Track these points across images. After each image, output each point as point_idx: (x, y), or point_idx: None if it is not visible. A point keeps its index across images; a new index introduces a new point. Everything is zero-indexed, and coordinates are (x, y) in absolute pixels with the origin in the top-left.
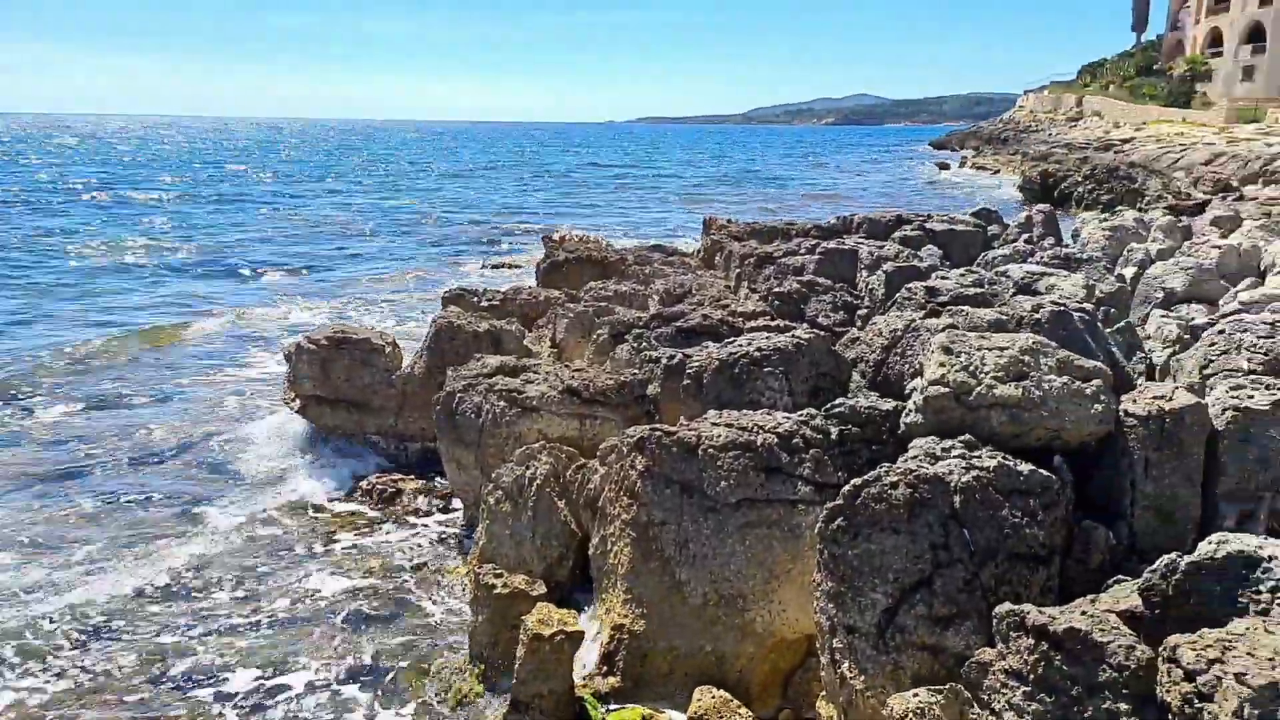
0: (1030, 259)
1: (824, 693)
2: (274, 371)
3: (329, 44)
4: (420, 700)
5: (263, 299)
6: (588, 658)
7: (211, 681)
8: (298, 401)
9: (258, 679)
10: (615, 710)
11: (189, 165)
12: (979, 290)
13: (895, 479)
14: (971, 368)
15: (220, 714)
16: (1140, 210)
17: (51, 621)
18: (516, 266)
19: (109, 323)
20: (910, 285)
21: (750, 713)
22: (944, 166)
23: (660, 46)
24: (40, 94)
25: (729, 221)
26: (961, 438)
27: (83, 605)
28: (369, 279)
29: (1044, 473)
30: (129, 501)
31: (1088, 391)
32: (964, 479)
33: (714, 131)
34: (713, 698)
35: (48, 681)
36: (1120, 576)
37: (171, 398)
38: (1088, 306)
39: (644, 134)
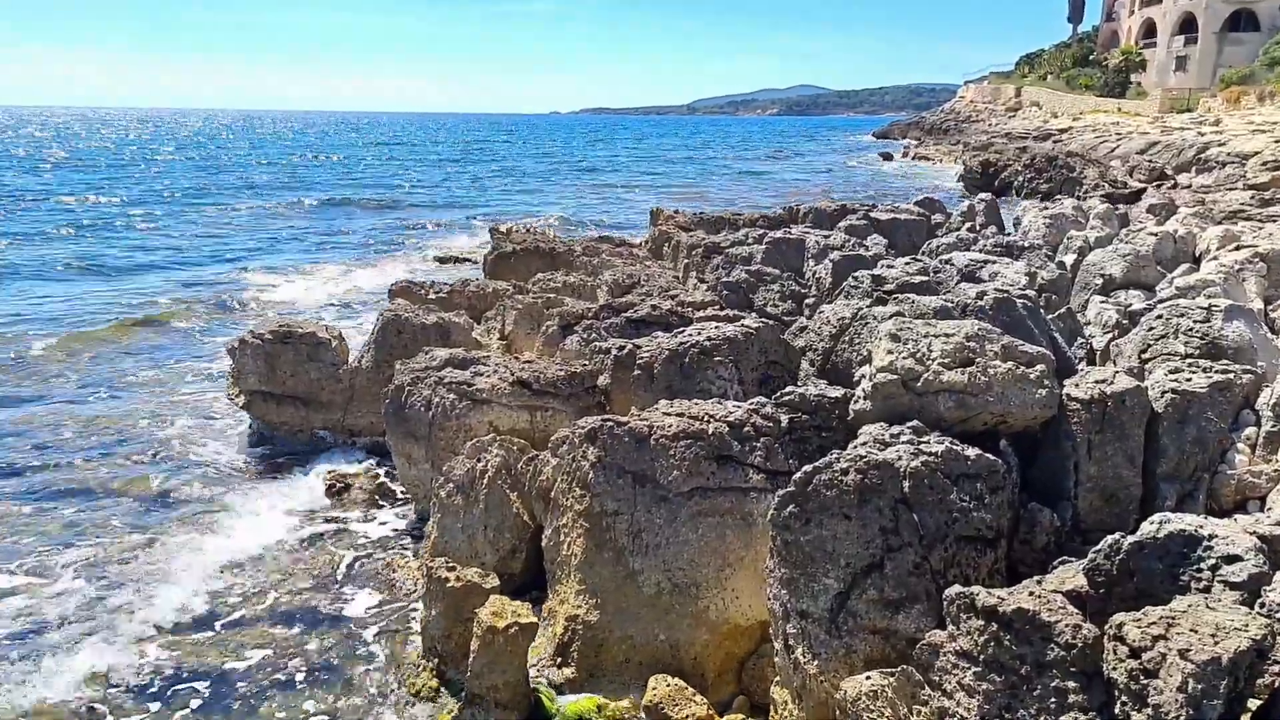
0: (973, 247)
1: (778, 678)
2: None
3: (255, 34)
4: (374, 695)
5: (196, 294)
6: (542, 649)
7: (160, 678)
8: (243, 398)
9: (206, 675)
10: (571, 700)
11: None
12: (924, 278)
13: (846, 465)
14: (919, 354)
15: (161, 710)
16: (1078, 198)
17: None
18: (464, 259)
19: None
20: (857, 274)
21: (705, 700)
22: (887, 157)
23: (603, 37)
24: None
25: (676, 212)
26: (910, 424)
27: (19, 608)
28: (313, 271)
29: (990, 457)
30: (76, 500)
31: (1032, 376)
32: (913, 464)
33: (659, 122)
34: (668, 686)
35: None
36: (1065, 557)
37: (119, 393)
38: (1030, 293)
39: (590, 125)
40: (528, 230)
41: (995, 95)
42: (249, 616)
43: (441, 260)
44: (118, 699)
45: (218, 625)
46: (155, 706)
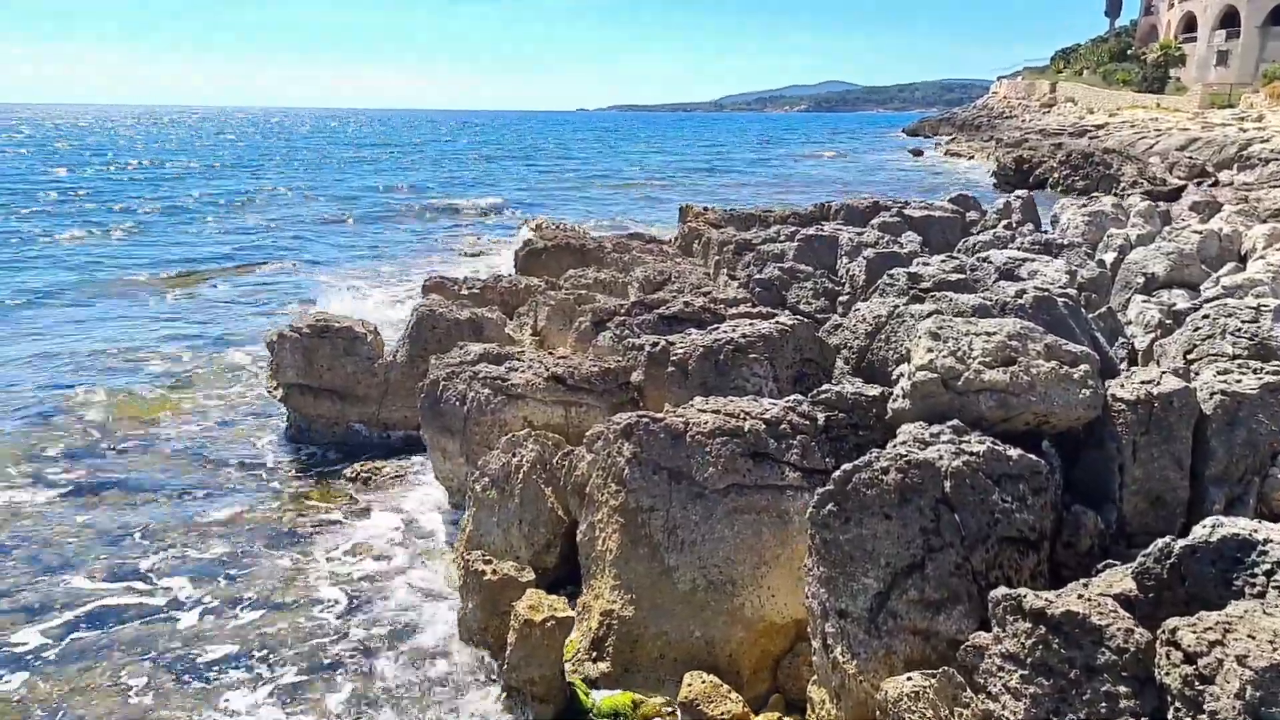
0: (1011, 245)
1: (815, 677)
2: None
3: (292, 32)
4: (410, 685)
5: (247, 290)
6: (577, 644)
7: (198, 666)
8: (280, 390)
9: (244, 663)
10: (606, 695)
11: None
12: (961, 276)
13: (886, 464)
14: (959, 353)
15: (202, 695)
16: (1117, 195)
17: (35, 610)
18: (494, 254)
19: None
20: (892, 272)
21: (740, 697)
22: (918, 153)
23: (631, 34)
24: None
25: (706, 209)
26: (950, 423)
27: (63, 591)
28: (348, 267)
29: (1033, 458)
30: (114, 486)
31: (1075, 376)
32: (954, 464)
33: (686, 119)
34: (703, 682)
35: (32, 671)
36: (1110, 561)
37: (147, 379)
38: (1071, 292)
39: (617, 121)
40: (558, 226)
41: (1029, 91)
42: (286, 602)
43: (473, 255)
44: (164, 680)
45: (250, 612)
46: (191, 688)
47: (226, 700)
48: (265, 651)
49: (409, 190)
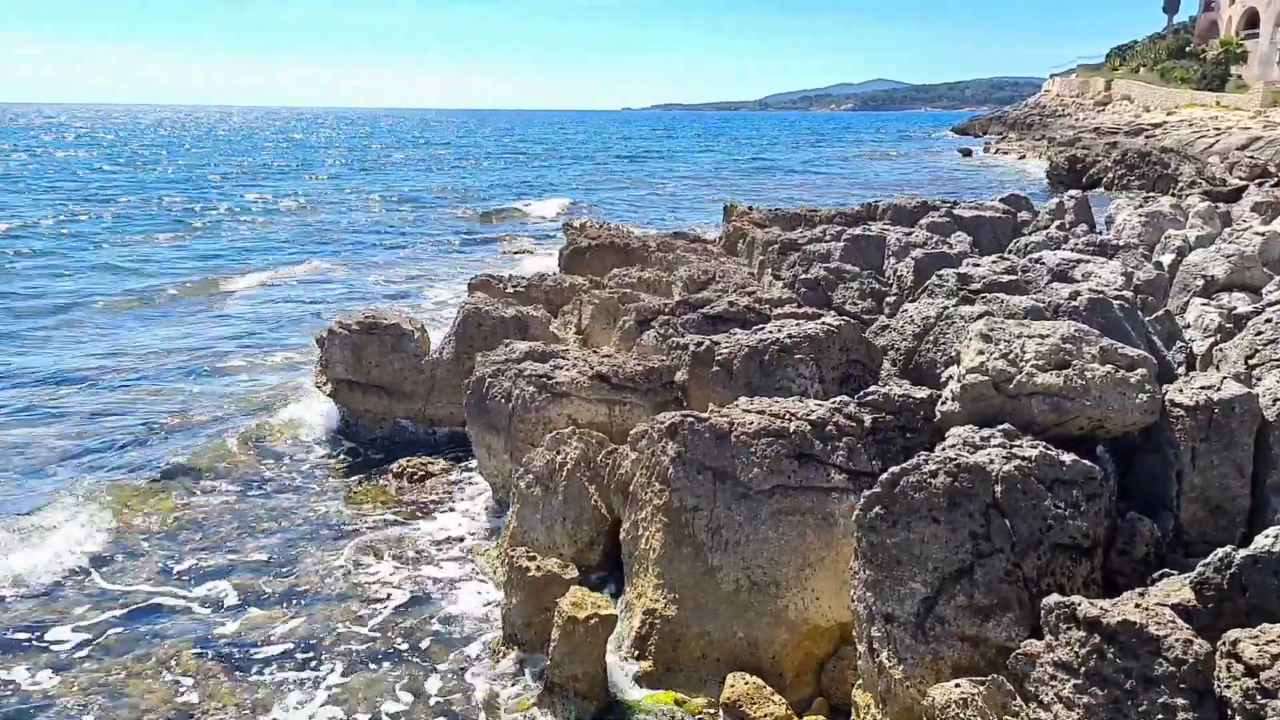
0: (1064, 246)
1: (860, 681)
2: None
3: (329, 32)
4: (455, 679)
5: (302, 288)
6: (619, 642)
7: (243, 658)
8: (329, 386)
9: (290, 656)
10: (648, 694)
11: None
12: (1012, 278)
13: (935, 467)
14: (1011, 355)
15: (253, 689)
16: (1175, 196)
17: (88, 602)
18: (535, 253)
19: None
20: (941, 272)
21: (783, 700)
22: (967, 153)
23: (675, 33)
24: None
25: (751, 208)
26: (1001, 426)
27: (114, 584)
28: (394, 264)
29: (1087, 463)
30: (156, 474)
31: (1132, 380)
32: (1005, 468)
33: (731, 118)
34: (746, 684)
35: (83, 664)
36: (1166, 570)
37: (202, 375)
38: (1127, 294)
39: (661, 120)
40: (602, 225)
41: (1083, 89)
42: (330, 596)
43: (517, 253)
44: (212, 675)
45: (296, 605)
46: (237, 679)
47: (272, 695)
48: (311, 646)
49: (467, 191)
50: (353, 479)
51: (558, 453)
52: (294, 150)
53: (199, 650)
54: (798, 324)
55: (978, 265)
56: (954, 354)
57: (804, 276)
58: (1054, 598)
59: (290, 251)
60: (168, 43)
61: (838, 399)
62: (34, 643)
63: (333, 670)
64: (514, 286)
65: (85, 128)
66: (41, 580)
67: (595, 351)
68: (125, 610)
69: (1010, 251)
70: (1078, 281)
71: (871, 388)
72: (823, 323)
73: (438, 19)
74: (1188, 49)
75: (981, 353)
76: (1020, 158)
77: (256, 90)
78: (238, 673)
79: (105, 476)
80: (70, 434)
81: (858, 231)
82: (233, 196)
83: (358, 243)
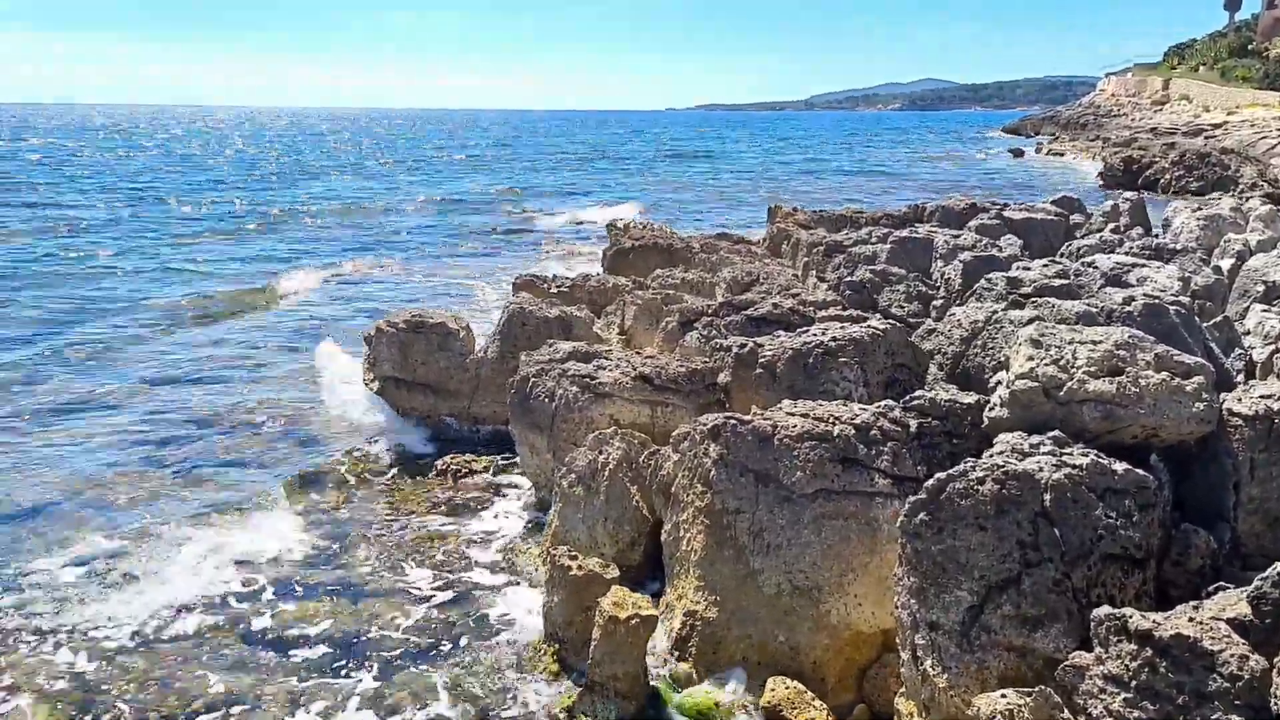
0: (1118, 249)
1: (903, 689)
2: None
3: (370, 33)
4: (496, 676)
5: (337, 286)
6: (660, 642)
7: (285, 649)
8: (376, 383)
9: (331, 649)
10: (688, 695)
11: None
12: (1064, 282)
13: (982, 474)
14: (1062, 361)
15: (293, 681)
16: (1235, 198)
17: (134, 588)
18: (580, 254)
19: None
20: (990, 276)
21: (824, 705)
22: (1018, 153)
23: (719, 32)
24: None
25: (795, 209)
26: (1051, 433)
27: (161, 570)
28: (441, 263)
29: (1140, 472)
30: (210, 471)
31: (1188, 389)
32: (1055, 476)
33: (776, 118)
34: (786, 688)
35: (126, 648)
36: (1222, 583)
37: (255, 372)
38: (1183, 300)
39: (705, 121)
40: (645, 226)
41: (1140, 88)
42: (375, 589)
43: (561, 255)
44: (253, 663)
45: (338, 599)
46: (277, 672)
47: (313, 688)
48: (351, 640)
49: (513, 192)
50: (397, 475)
51: (600, 453)
52: (344, 151)
53: (238, 637)
54: (842, 327)
55: (1028, 269)
56: (1003, 359)
57: (849, 279)
58: (1104, 609)
59: (339, 251)
60: (215, 43)
61: (883, 403)
62: (77, 632)
63: (372, 666)
64: (558, 286)
65: (146, 128)
66: (81, 565)
67: (638, 352)
68: (169, 593)
69: (1062, 255)
70: (1132, 286)
71: (918, 392)
72: (868, 326)
73: (479, 19)
74: (1250, 47)
75: (1031, 358)
76: (1074, 158)
77: (309, 91)
78: (278, 664)
79: (157, 460)
80: (126, 427)
81: (904, 234)
82: (285, 197)
83: (405, 242)
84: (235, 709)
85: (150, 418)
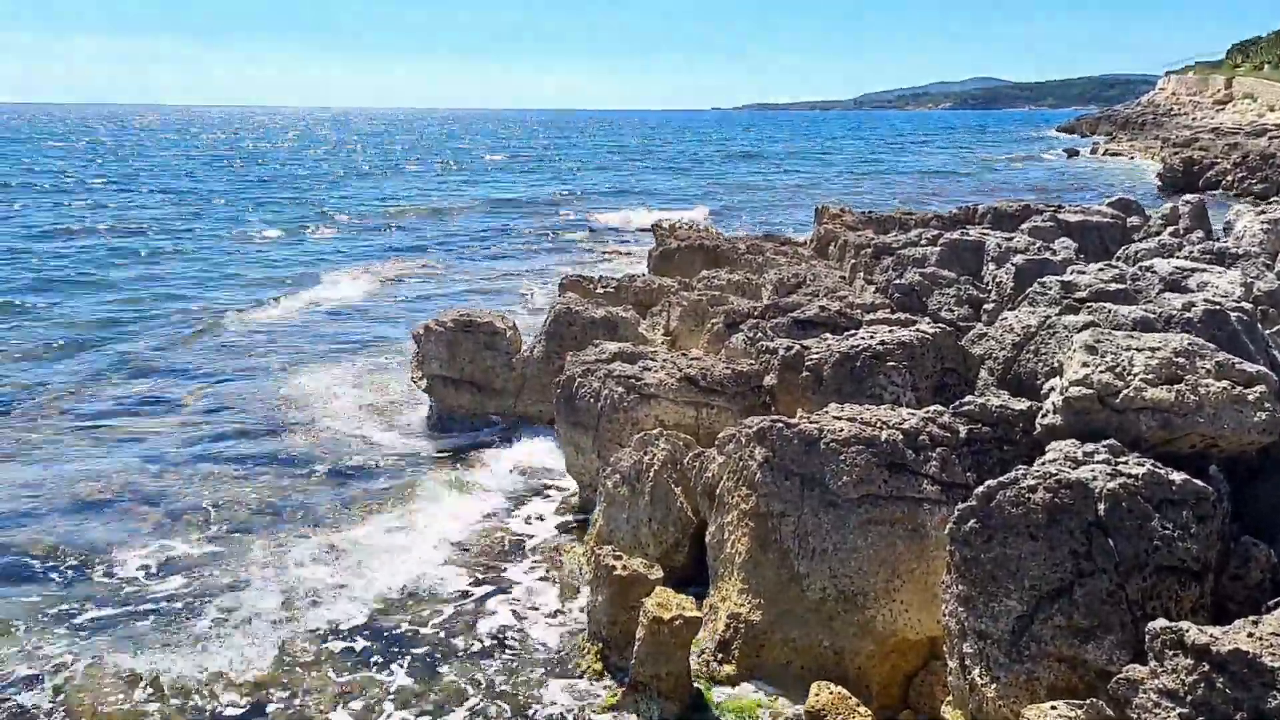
0: (1178, 253)
1: (950, 697)
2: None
3: (417, 34)
4: (541, 673)
5: (386, 286)
6: (704, 643)
7: (329, 639)
8: (424, 381)
9: (370, 645)
10: (731, 697)
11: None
12: (1121, 286)
13: (1034, 483)
14: (1119, 368)
15: (338, 672)
16: None
17: (193, 573)
18: (627, 254)
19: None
20: (1043, 280)
21: (869, 711)
22: (1073, 153)
23: (767, 31)
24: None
25: (843, 210)
26: (1105, 442)
27: (218, 556)
28: (489, 263)
29: (1198, 483)
30: (273, 463)
31: (1250, 398)
32: (1109, 486)
33: (824, 117)
34: (831, 693)
35: (176, 630)
36: None
37: (310, 371)
38: (1246, 306)
39: (753, 121)
40: (690, 227)
41: (1201, 87)
42: (419, 585)
43: (606, 254)
44: (299, 650)
45: (389, 591)
46: (324, 658)
47: (358, 681)
48: (394, 635)
49: (561, 193)
50: (443, 471)
51: (645, 454)
52: (393, 151)
53: (288, 621)
54: (891, 330)
55: (1083, 273)
56: (1056, 365)
57: (898, 281)
58: (1160, 622)
59: (389, 250)
60: (260, 44)
61: (931, 408)
62: (66, 612)
63: (414, 660)
64: (604, 287)
65: (203, 130)
66: (147, 551)
67: (683, 354)
68: (224, 582)
69: (1119, 259)
70: (1192, 292)
71: (967, 397)
72: (917, 330)
73: (527, 19)
74: None
75: (1086, 365)
76: (1131, 159)
77: (354, 91)
78: (322, 654)
79: (216, 454)
80: (185, 421)
81: (955, 236)
82: (334, 197)
83: (454, 242)
84: (275, 700)
85: (214, 411)
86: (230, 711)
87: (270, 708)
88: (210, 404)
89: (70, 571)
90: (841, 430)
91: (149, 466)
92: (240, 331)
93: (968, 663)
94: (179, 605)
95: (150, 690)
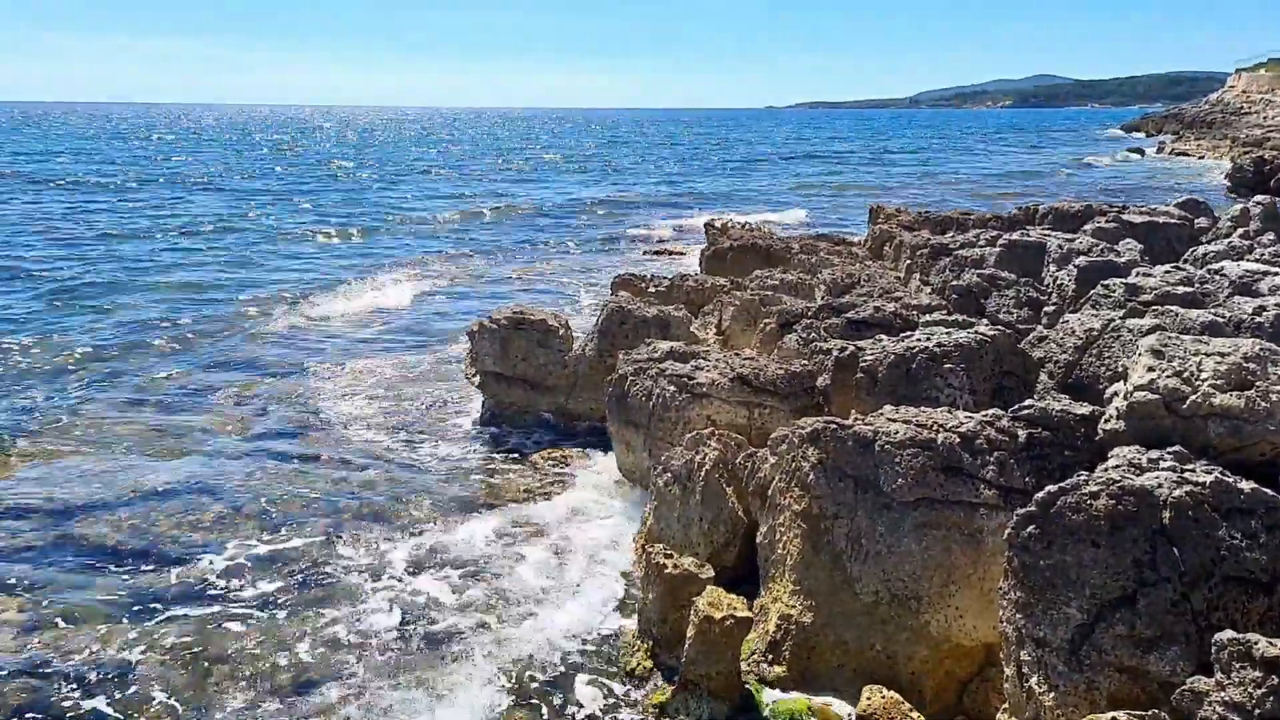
0: (1248, 256)
1: (1006, 705)
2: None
3: (470, 33)
4: (590, 669)
5: (444, 285)
6: (754, 644)
7: (367, 628)
8: (478, 378)
9: (422, 637)
10: (782, 698)
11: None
12: (1188, 289)
13: (1096, 489)
14: (1186, 374)
15: (398, 657)
16: None
17: (245, 564)
18: (679, 254)
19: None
20: (1107, 282)
21: (921, 717)
22: (1138, 153)
23: (820, 28)
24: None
25: (899, 210)
26: (1171, 449)
27: (275, 549)
28: (542, 262)
29: (1268, 492)
30: (329, 456)
31: None
32: (1175, 493)
33: (878, 116)
34: (883, 698)
35: (235, 619)
36: None
37: (366, 368)
38: None
39: (809, 119)
40: (743, 226)
41: (1274, 84)
42: (469, 577)
43: (657, 254)
44: (354, 637)
45: (437, 581)
46: (372, 647)
47: (414, 666)
48: (445, 624)
49: (618, 193)
50: (494, 468)
51: (696, 453)
52: (450, 150)
53: (345, 609)
54: (948, 332)
55: (1149, 275)
56: (1120, 369)
57: (955, 283)
58: (1227, 633)
59: (442, 248)
60: (302, 41)
61: (990, 411)
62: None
63: (464, 655)
64: (656, 286)
65: (256, 129)
66: (212, 538)
67: (736, 353)
68: (301, 569)
69: (1186, 261)
70: (1263, 295)
71: (1027, 401)
72: (975, 332)
73: (584, 19)
74: None
75: (1152, 369)
76: (1199, 159)
77: (405, 91)
78: (378, 641)
79: (275, 450)
80: (240, 415)
81: (1015, 236)
82: (387, 197)
83: (509, 241)
84: (315, 689)
85: (273, 404)
86: (297, 698)
87: (307, 688)
88: (269, 401)
89: (138, 565)
90: (897, 432)
91: (214, 463)
92: (300, 328)
93: (1025, 670)
94: (259, 601)
95: (229, 686)
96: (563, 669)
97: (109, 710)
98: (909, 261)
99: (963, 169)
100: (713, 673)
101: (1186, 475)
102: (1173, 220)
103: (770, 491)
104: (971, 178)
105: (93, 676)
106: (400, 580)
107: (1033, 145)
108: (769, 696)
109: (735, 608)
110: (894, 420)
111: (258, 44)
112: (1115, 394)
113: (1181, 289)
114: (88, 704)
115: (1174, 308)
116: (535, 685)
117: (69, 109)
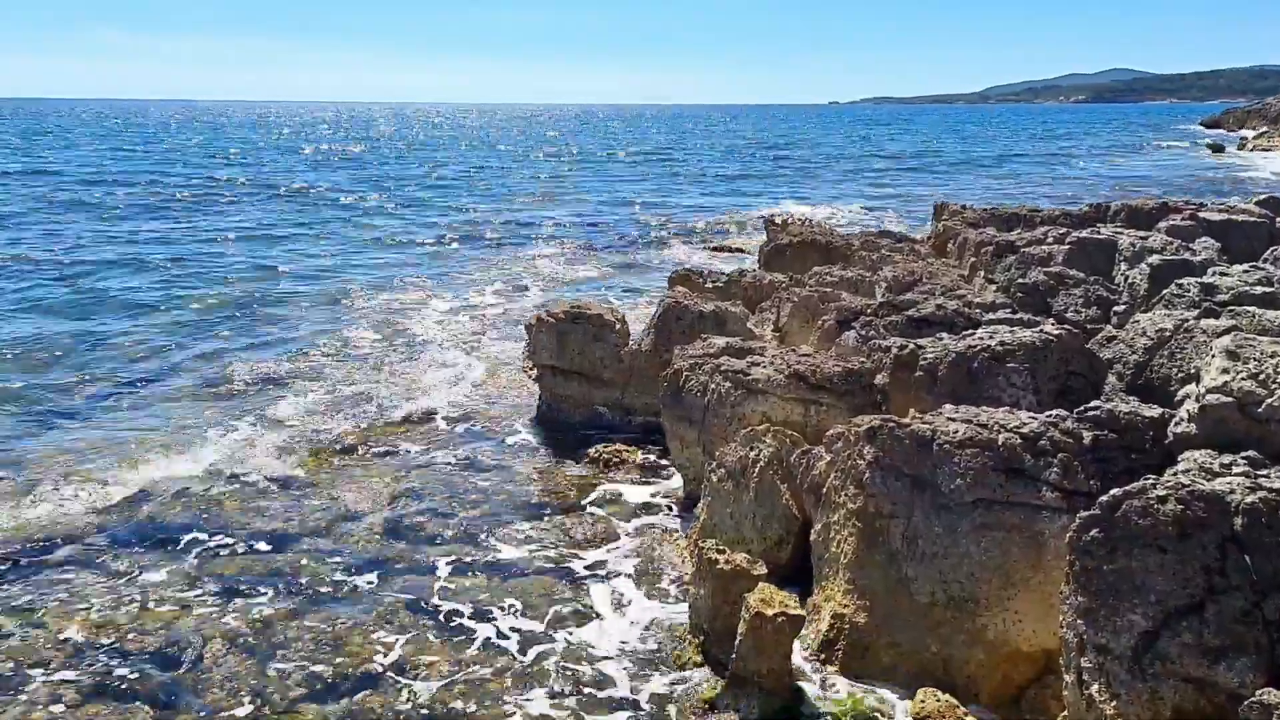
0: None
1: (1065, 713)
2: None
3: (522, 27)
4: (642, 663)
5: (508, 271)
6: (807, 642)
7: (430, 618)
8: (535, 371)
9: (475, 629)
10: (834, 697)
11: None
12: (1267, 290)
13: (1164, 493)
14: (1262, 376)
15: (455, 649)
16: None
17: (317, 557)
18: (738, 250)
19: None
20: (1181, 281)
21: None
22: (1217, 149)
23: (885, 21)
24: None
25: (964, 207)
26: (1245, 453)
27: (341, 543)
28: (601, 258)
29: None
30: (390, 452)
31: None
32: (1248, 499)
33: (948, 112)
34: (938, 701)
35: (305, 609)
36: None
37: (424, 360)
38: None
39: (876, 115)
40: (803, 222)
41: None
42: (523, 570)
43: (715, 249)
44: (415, 626)
45: (483, 574)
46: (419, 637)
47: (468, 657)
48: (495, 617)
49: (675, 189)
50: (550, 461)
51: (751, 449)
52: (512, 147)
53: (405, 602)
54: (1012, 331)
55: (1226, 275)
56: (1192, 371)
57: (1021, 281)
58: None
59: (502, 245)
60: (362, 39)
61: (1054, 412)
62: (250, 589)
63: (515, 647)
64: (713, 282)
65: (319, 123)
66: (256, 532)
67: (793, 350)
68: (356, 564)
69: (1266, 261)
70: None
71: (1094, 402)
72: (1040, 331)
73: (643, 17)
74: None
75: (1226, 371)
76: None
77: (461, 89)
78: (439, 633)
79: (339, 447)
80: (302, 410)
81: (1084, 234)
82: (450, 192)
83: (568, 237)
84: (403, 669)
85: (328, 401)
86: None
87: (387, 674)
88: (317, 400)
89: (217, 547)
90: (956, 432)
91: (295, 447)
92: (356, 326)
93: (1086, 678)
94: (313, 574)
95: (293, 673)
96: (613, 661)
97: (177, 690)
98: (973, 259)
99: (1032, 162)
100: (763, 669)
101: (1260, 481)
102: (1252, 218)
103: (825, 489)
104: (1040, 172)
105: (166, 655)
106: (454, 572)
107: (1106, 140)
108: (820, 694)
109: (787, 605)
110: (953, 419)
111: (313, 42)
112: (1187, 396)
113: (1260, 289)
114: (158, 678)
115: (1251, 308)
116: (585, 677)
117: (162, 107)
